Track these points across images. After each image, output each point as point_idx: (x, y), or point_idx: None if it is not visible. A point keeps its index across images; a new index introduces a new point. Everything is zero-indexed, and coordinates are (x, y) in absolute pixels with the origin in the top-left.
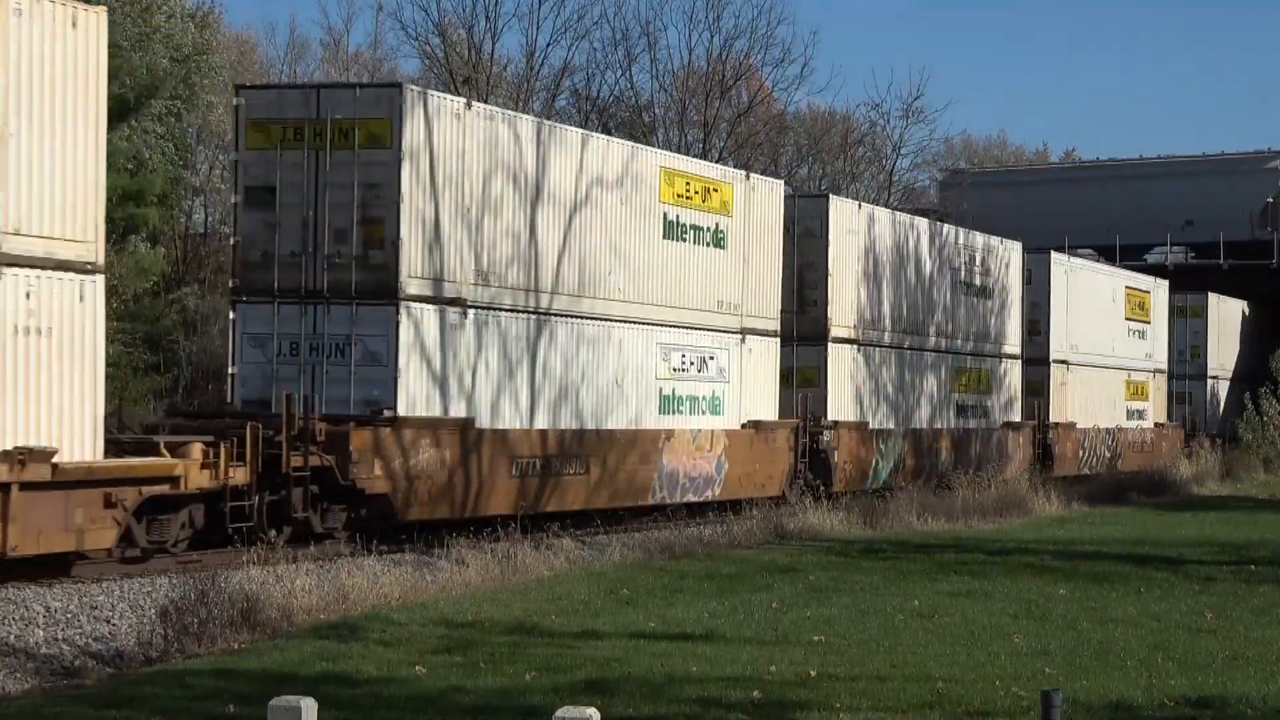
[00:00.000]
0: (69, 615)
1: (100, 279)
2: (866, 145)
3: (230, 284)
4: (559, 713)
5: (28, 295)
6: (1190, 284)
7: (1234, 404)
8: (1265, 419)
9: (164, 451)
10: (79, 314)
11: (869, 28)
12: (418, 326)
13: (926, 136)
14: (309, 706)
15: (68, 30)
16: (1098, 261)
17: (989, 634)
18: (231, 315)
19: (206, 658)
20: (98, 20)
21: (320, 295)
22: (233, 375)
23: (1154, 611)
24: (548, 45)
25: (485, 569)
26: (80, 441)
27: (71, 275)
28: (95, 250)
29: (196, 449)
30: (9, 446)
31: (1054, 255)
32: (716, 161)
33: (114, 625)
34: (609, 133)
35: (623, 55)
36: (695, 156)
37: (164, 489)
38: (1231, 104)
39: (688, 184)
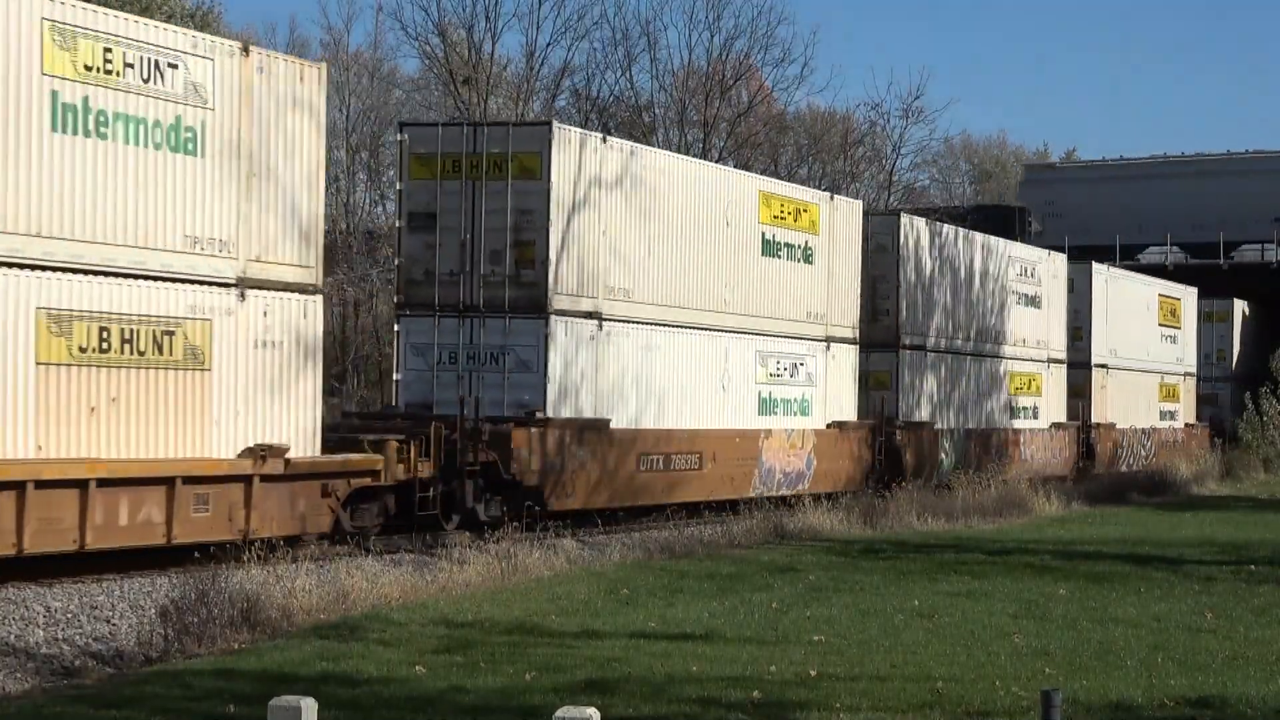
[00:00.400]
0: (69, 615)
1: (320, 298)
2: (866, 145)
3: (395, 300)
4: (559, 713)
5: (265, 314)
6: (1188, 284)
7: (1235, 403)
8: (1265, 419)
9: (368, 449)
10: (304, 329)
11: (869, 28)
12: (562, 337)
13: (926, 136)
14: (309, 706)
15: (297, 84)
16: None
17: (989, 634)
18: (396, 327)
19: (206, 658)
20: (319, 74)
21: (476, 309)
22: (397, 381)
23: (1154, 611)
24: (548, 45)
25: (485, 569)
26: (304, 439)
27: (298, 296)
28: (316, 274)
29: (392, 446)
30: (250, 444)
31: (1094, 265)
32: (717, 162)
33: (114, 625)
34: (608, 133)
35: (623, 55)
36: (695, 156)
37: (367, 481)
38: (1231, 103)
39: (782, 205)
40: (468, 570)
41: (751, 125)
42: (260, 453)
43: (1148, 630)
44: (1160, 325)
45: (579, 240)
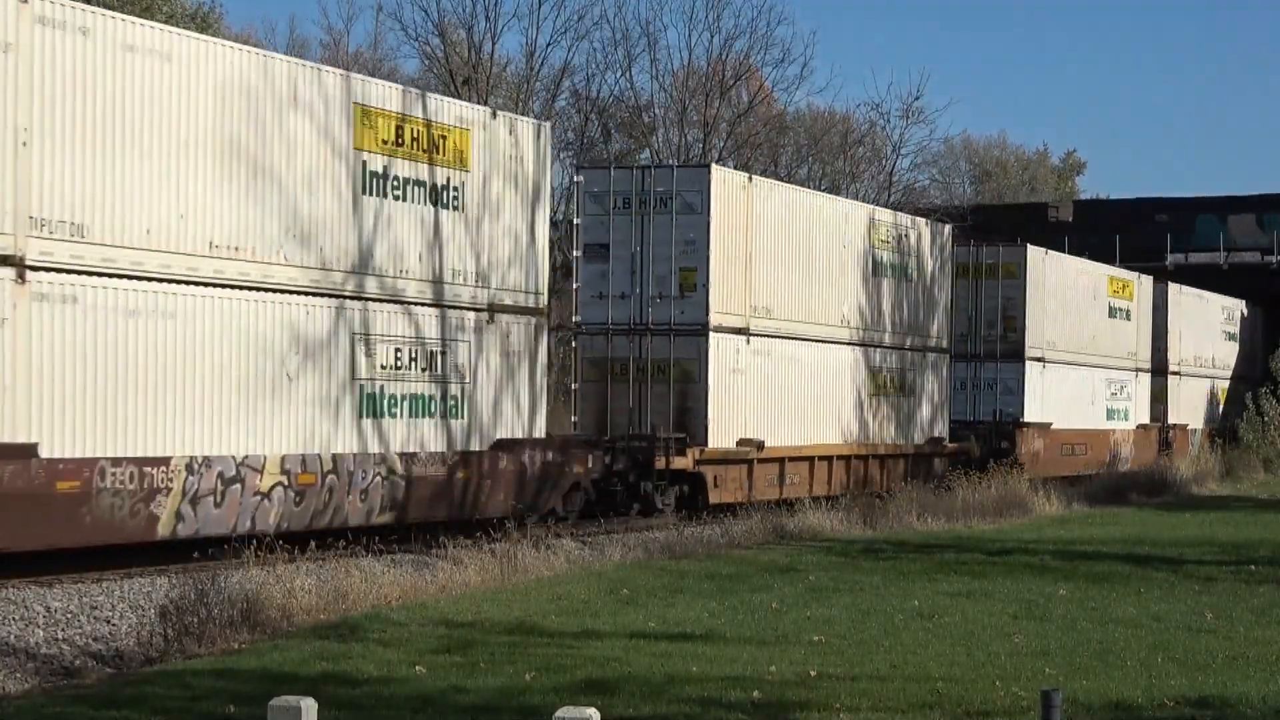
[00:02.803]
0: (69, 615)
1: (945, 357)
2: (866, 145)
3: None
4: (559, 713)
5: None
6: (1190, 283)
7: (1235, 403)
8: (1265, 419)
9: (959, 440)
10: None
11: (869, 28)
12: (1030, 372)
13: (926, 137)
14: (309, 706)
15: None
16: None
17: (989, 634)
18: (944, 369)
19: (206, 658)
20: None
21: (980, 356)
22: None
23: (1154, 611)
24: (548, 45)
25: (485, 569)
26: (934, 433)
27: (944, 355)
28: (951, 343)
29: (971, 440)
30: (922, 440)
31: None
32: (716, 162)
33: (114, 625)
34: (608, 133)
35: (623, 55)
36: (695, 156)
37: (955, 455)
38: (1232, 104)
39: (1117, 284)
40: (467, 570)
41: (751, 125)
42: (906, 442)
43: (1148, 630)
44: None
45: (1038, 311)
